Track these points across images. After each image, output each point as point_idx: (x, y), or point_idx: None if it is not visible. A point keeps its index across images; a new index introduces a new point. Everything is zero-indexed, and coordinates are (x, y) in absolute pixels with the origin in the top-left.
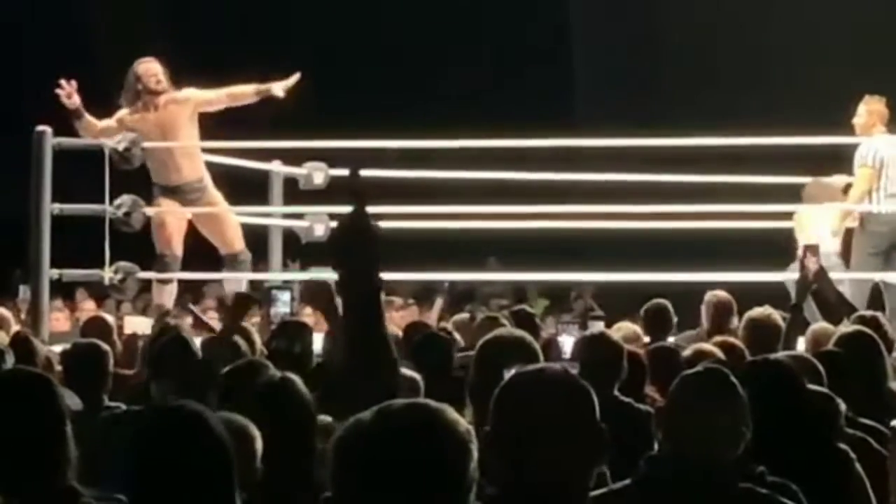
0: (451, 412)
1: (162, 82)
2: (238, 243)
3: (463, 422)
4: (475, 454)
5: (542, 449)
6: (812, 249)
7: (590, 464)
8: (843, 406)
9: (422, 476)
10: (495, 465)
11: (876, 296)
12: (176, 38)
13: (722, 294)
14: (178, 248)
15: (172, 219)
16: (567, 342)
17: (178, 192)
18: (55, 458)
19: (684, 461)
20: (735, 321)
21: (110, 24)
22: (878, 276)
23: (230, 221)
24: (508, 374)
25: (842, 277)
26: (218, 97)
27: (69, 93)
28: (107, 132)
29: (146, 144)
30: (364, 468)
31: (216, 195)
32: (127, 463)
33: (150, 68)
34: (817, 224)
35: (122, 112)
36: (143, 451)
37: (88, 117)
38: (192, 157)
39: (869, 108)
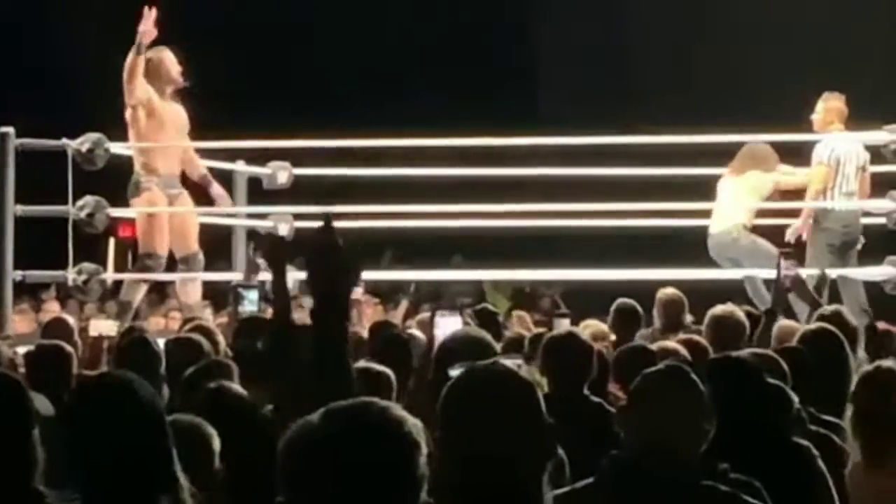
0: (397, 410)
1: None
2: (196, 245)
3: (410, 419)
4: (424, 451)
5: (489, 447)
6: (789, 256)
7: (540, 460)
8: (795, 398)
9: (370, 475)
10: (445, 466)
11: (819, 286)
12: (163, 37)
13: (672, 291)
14: (165, 249)
15: (165, 218)
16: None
17: (171, 185)
18: (22, 460)
19: (646, 459)
20: (687, 318)
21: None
22: (836, 273)
23: (195, 223)
24: (454, 372)
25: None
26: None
27: (150, 24)
28: (141, 84)
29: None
30: (312, 470)
31: (188, 196)
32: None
33: (177, 63)
34: (737, 189)
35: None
36: (76, 420)
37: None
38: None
39: (827, 106)
